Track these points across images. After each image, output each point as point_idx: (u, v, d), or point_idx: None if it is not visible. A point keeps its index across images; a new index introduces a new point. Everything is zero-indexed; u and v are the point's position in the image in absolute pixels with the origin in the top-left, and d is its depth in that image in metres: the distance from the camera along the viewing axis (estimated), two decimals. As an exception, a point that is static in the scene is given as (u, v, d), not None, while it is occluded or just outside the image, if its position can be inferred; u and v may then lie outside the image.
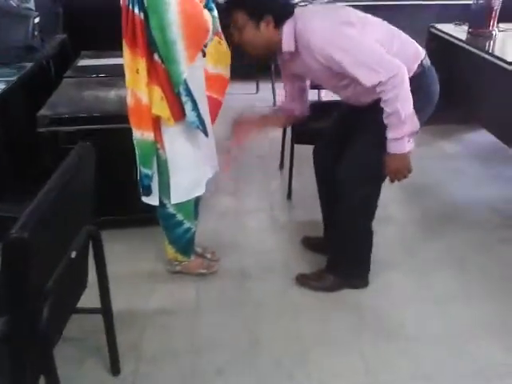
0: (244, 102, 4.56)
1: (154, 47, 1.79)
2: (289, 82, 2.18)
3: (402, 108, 1.78)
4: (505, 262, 2.47)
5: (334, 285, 2.23)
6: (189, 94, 1.89)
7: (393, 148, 1.87)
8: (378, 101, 1.83)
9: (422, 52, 1.98)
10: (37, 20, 2.84)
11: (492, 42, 3.36)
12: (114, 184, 2.32)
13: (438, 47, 3.72)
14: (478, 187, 3.17)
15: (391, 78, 1.75)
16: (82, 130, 2.35)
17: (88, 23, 4.38)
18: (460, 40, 3.42)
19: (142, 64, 1.80)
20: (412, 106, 1.80)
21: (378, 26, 1.93)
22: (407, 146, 1.87)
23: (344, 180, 2.02)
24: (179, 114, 1.92)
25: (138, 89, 1.85)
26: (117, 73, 2.86)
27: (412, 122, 1.84)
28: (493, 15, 3.35)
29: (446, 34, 3.60)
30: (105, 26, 4.88)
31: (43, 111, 2.39)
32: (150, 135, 1.93)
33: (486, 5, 3.32)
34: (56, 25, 3.60)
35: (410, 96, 1.79)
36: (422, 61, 1.95)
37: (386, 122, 1.83)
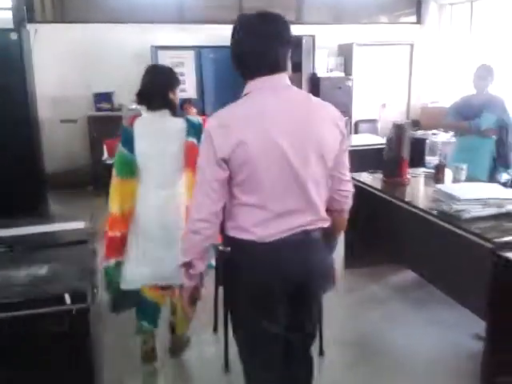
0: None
1: None
2: None
3: None
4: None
5: None
6: None
7: None
8: None
9: None
10: None
11: (405, 190, 3.54)
12: None
13: (356, 195, 3.88)
14: (416, 335, 3.10)
15: None
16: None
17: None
18: (376, 189, 3.58)
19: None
20: None
21: None
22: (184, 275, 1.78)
23: None
24: None
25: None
26: (29, 244, 2.68)
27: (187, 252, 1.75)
28: (403, 165, 3.57)
29: (363, 183, 3.77)
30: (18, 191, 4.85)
31: None
32: None
33: (396, 155, 3.55)
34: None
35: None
36: None
37: None
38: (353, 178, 3.85)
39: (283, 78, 1.70)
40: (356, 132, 7.15)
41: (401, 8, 8.19)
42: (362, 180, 3.82)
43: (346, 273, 4.01)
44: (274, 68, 1.67)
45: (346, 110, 7.26)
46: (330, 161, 1.71)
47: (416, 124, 7.82)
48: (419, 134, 6.16)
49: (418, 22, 8.13)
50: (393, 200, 3.40)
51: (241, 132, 1.60)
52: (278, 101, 1.66)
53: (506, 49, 6.62)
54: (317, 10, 7.76)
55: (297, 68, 7.14)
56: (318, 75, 7.34)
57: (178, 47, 6.77)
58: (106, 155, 4.99)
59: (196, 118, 2.60)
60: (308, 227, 1.72)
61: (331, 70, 7.58)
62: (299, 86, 7.13)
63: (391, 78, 7.87)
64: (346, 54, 7.66)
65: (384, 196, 3.52)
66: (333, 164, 1.74)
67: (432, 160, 3.97)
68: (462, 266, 2.96)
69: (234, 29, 1.70)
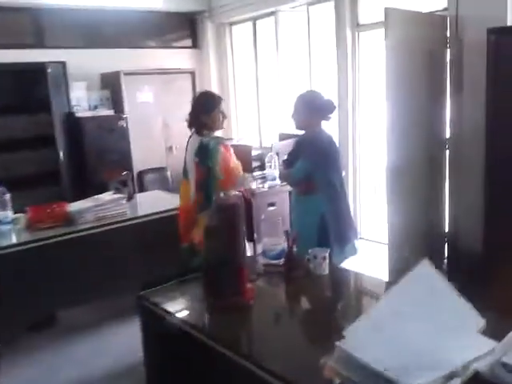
0: None
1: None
2: None
3: None
4: None
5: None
6: None
7: None
8: None
9: None
10: None
11: (251, 319, 1.84)
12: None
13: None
14: None
15: None
16: None
17: None
18: (189, 324, 1.80)
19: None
20: None
21: None
22: None
23: None
24: None
25: None
26: None
27: None
28: (241, 273, 1.87)
29: (155, 304, 1.95)
30: None
31: None
32: None
33: (225, 259, 1.83)
34: None
35: None
36: None
37: None
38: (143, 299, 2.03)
39: None
40: (142, 188, 5.34)
41: (173, 30, 6.72)
42: (151, 300, 2.02)
43: None
44: None
45: (125, 160, 5.38)
46: None
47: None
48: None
49: (195, 45, 6.77)
50: (227, 354, 1.67)
51: None
52: None
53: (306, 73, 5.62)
54: (65, 31, 5.78)
55: (43, 106, 4.97)
56: (78, 114, 5.37)
57: None
58: None
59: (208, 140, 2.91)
60: None
61: (95, 107, 5.68)
62: (50, 130, 4.98)
63: (174, 112, 6.26)
64: (112, 85, 5.84)
65: (207, 341, 1.76)
66: None
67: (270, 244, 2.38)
68: None
69: None
